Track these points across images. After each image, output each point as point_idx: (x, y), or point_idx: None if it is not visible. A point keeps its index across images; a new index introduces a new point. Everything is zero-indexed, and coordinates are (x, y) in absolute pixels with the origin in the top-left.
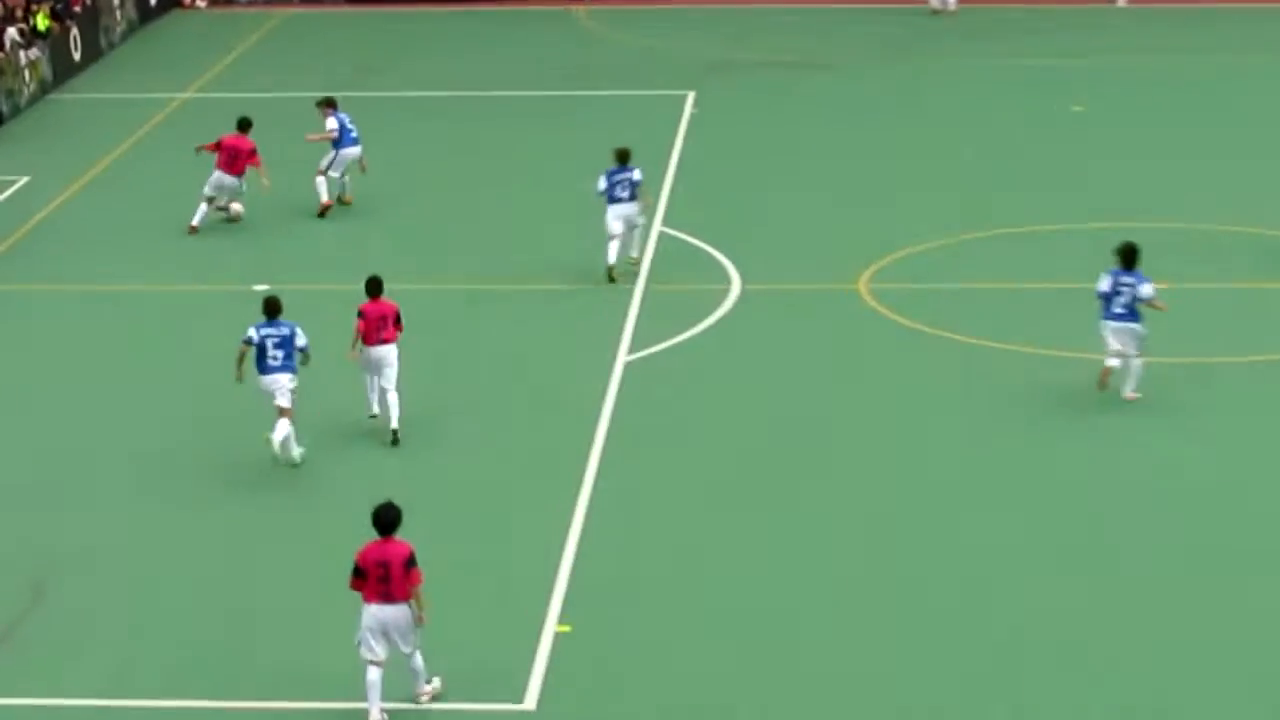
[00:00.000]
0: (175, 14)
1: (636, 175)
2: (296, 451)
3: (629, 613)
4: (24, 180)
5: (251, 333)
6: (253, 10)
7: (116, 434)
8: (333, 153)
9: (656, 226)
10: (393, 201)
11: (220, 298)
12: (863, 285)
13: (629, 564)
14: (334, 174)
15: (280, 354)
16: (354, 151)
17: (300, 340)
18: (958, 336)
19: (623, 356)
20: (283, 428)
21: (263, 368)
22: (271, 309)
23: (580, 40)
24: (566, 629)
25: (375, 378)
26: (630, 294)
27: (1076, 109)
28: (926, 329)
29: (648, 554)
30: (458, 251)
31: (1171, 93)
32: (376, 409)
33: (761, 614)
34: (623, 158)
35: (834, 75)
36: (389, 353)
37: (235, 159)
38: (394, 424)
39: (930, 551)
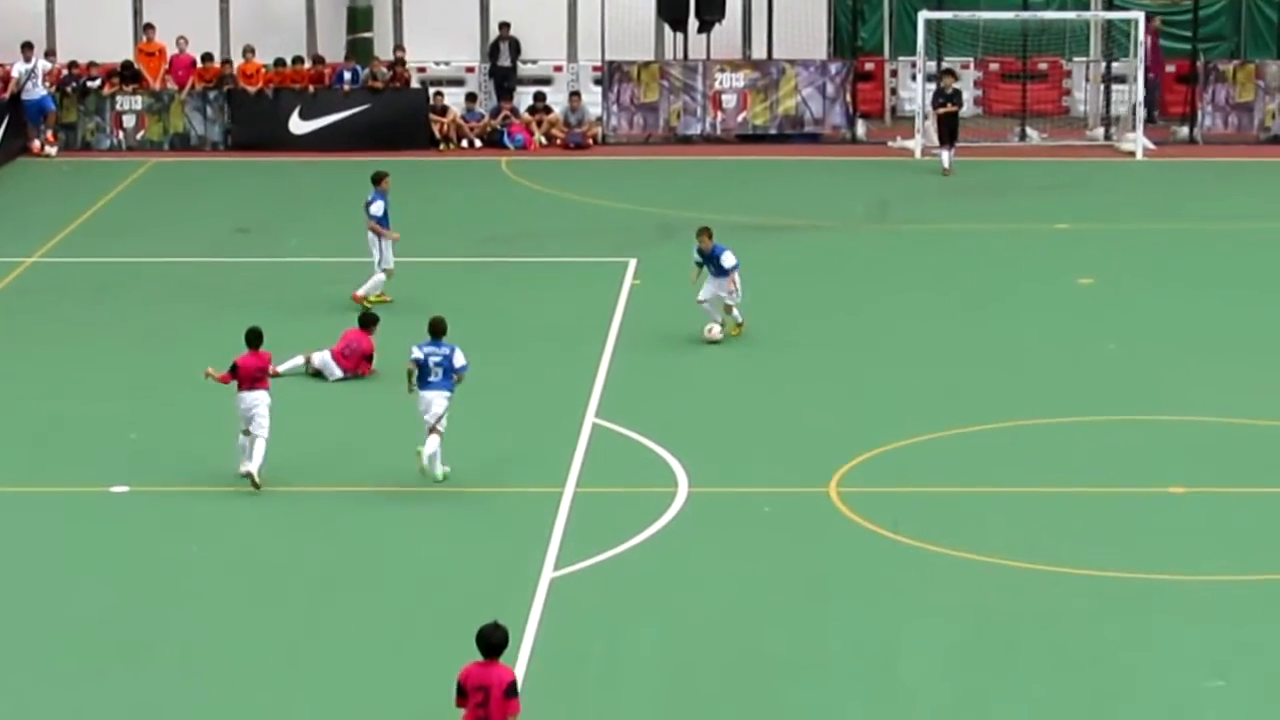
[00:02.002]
0: (21, 162)
1: (459, 360)
2: (440, 470)
3: None
4: None
5: (416, 352)
6: (115, 158)
7: None
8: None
9: (589, 418)
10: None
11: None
12: (834, 488)
13: None
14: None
15: (440, 372)
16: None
17: (459, 361)
18: (953, 551)
19: (548, 573)
20: (432, 443)
21: (423, 385)
22: (436, 329)
23: (508, 196)
24: None
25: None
26: (558, 497)
27: (1084, 282)
28: (914, 542)
29: None
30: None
31: (1192, 262)
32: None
33: None
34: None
35: (800, 239)
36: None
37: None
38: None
39: None
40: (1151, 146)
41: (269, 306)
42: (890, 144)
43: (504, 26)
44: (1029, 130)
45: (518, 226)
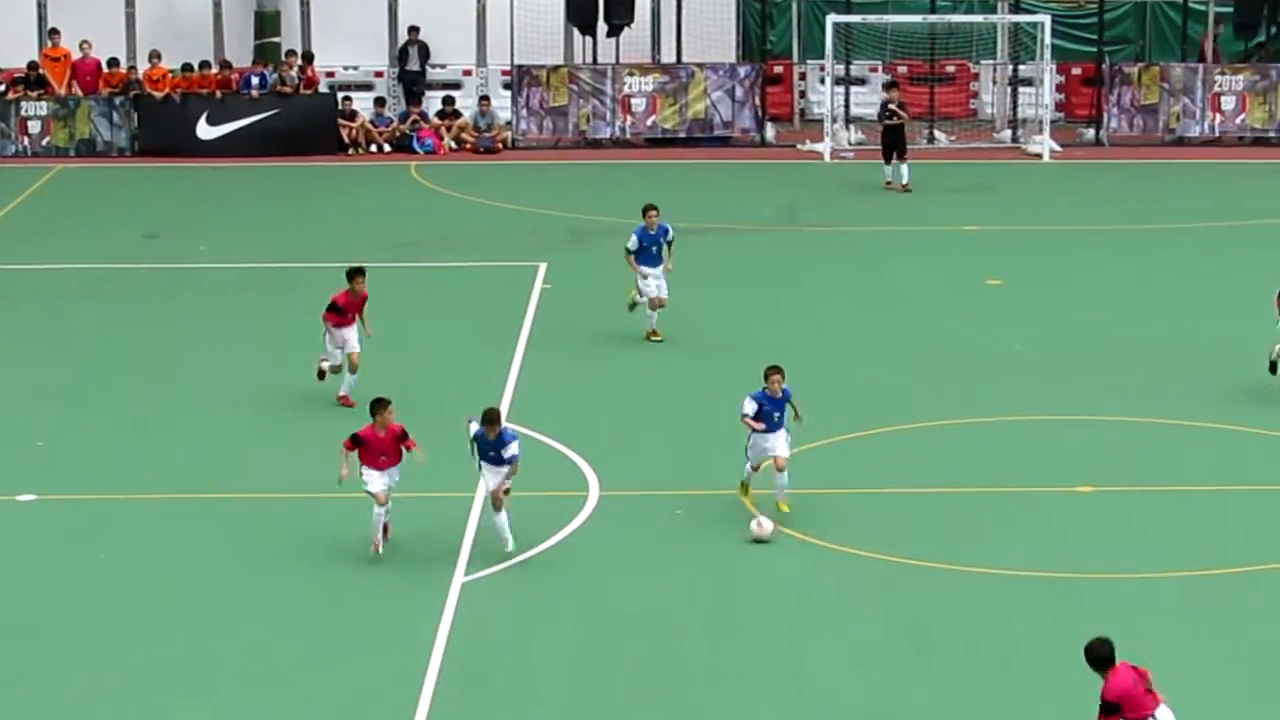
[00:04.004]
0: None
1: (510, 450)
2: (509, 542)
3: None
4: None
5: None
6: (20, 164)
7: None
8: None
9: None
10: (182, 411)
11: None
12: (744, 489)
13: None
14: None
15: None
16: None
17: (511, 450)
18: (866, 552)
19: (460, 578)
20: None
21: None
22: (490, 419)
23: (417, 201)
24: None
25: None
26: (470, 502)
27: (992, 283)
28: (827, 544)
29: None
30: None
31: (1098, 263)
32: None
33: None
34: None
35: (711, 242)
36: None
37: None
38: None
39: None
40: (1058, 148)
41: (179, 313)
42: (799, 147)
43: (413, 31)
44: (937, 133)
45: (427, 231)
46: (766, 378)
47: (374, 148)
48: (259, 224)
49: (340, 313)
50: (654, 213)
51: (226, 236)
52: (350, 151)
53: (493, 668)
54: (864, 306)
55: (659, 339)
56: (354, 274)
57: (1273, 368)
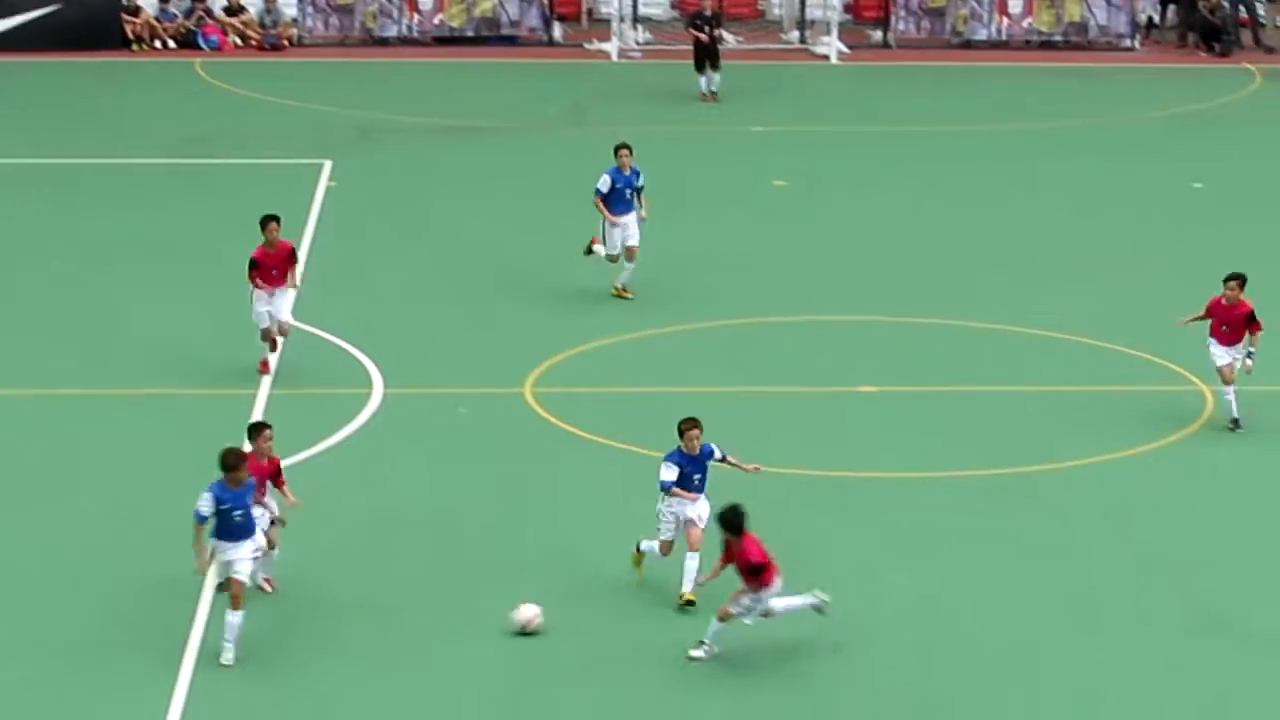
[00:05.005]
0: None
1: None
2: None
3: None
4: None
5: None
6: None
7: None
8: None
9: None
10: None
11: None
12: (528, 388)
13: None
14: None
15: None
16: None
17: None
18: (647, 451)
19: None
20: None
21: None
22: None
23: (203, 98)
24: None
25: None
26: (253, 398)
27: (778, 183)
28: (608, 441)
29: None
30: (49, 351)
31: (884, 164)
32: None
33: None
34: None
35: (497, 142)
36: None
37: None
38: None
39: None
40: (846, 50)
41: None
42: (586, 46)
43: None
44: (725, 34)
45: (213, 128)
46: (681, 434)
47: (158, 44)
48: (43, 120)
49: (261, 269)
50: (626, 152)
51: (9, 131)
52: (134, 48)
53: (276, 564)
54: (650, 207)
55: (629, 296)
56: (265, 221)
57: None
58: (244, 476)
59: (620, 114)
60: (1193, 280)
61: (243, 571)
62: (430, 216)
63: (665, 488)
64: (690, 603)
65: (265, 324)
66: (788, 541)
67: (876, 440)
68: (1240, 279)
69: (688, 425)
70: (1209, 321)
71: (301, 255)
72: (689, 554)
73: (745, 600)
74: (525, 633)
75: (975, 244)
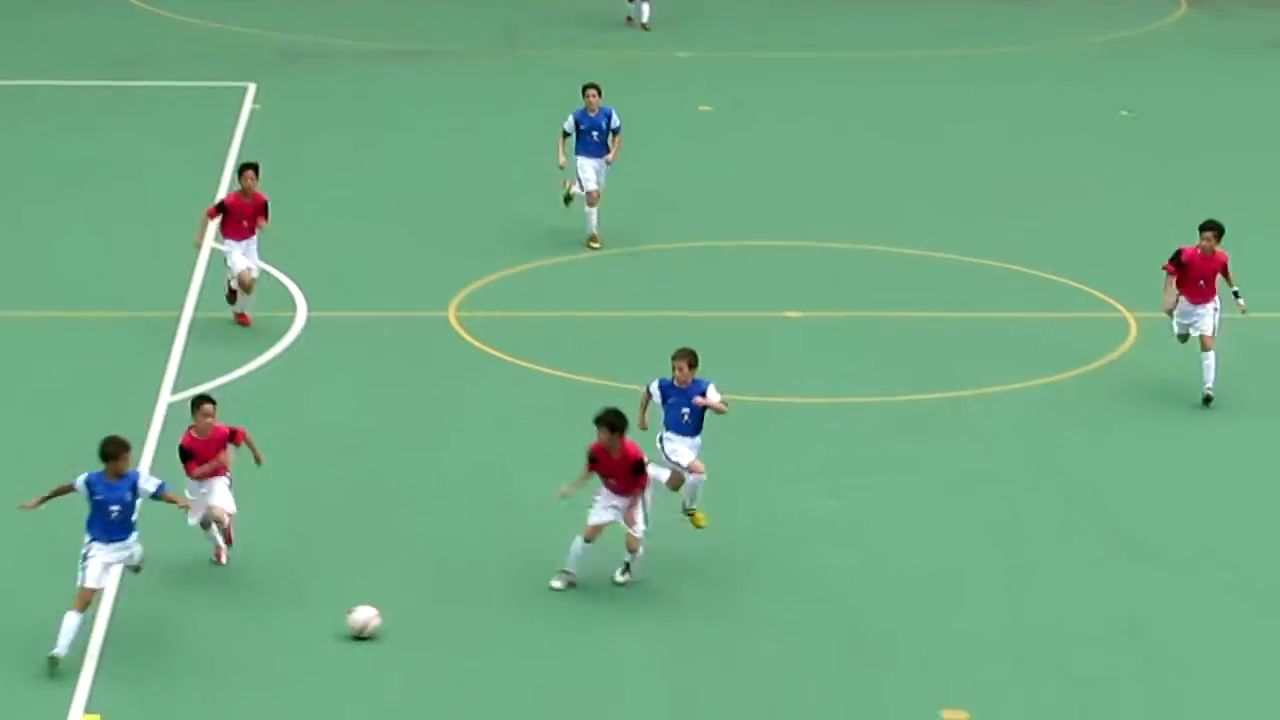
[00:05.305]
0: None
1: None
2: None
3: (163, 695)
4: None
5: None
6: None
7: None
8: None
9: (208, 243)
10: None
11: None
12: (452, 312)
13: (165, 643)
14: None
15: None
16: None
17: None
18: (569, 374)
19: (165, 397)
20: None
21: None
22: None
23: (127, 20)
24: (95, 718)
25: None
26: (176, 322)
27: (703, 109)
28: (531, 364)
29: (181, 630)
30: None
31: (811, 90)
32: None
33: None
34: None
35: (428, 65)
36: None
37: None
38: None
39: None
40: None
41: None
42: None
43: None
44: None
45: (138, 51)
46: (672, 362)
47: None
48: None
49: (226, 212)
50: (594, 93)
51: None
52: None
53: None
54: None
55: (597, 246)
56: (243, 169)
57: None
58: (125, 468)
59: (549, 38)
60: (1121, 209)
61: (104, 580)
62: (356, 140)
63: (644, 393)
64: (699, 526)
65: (235, 273)
66: (713, 466)
67: (802, 366)
68: (1217, 228)
69: (675, 355)
70: (1174, 279)
71: (224, 178)
72: (691, 476)
73: (639, 512)
74: (362, 637)
75: (906, 170)
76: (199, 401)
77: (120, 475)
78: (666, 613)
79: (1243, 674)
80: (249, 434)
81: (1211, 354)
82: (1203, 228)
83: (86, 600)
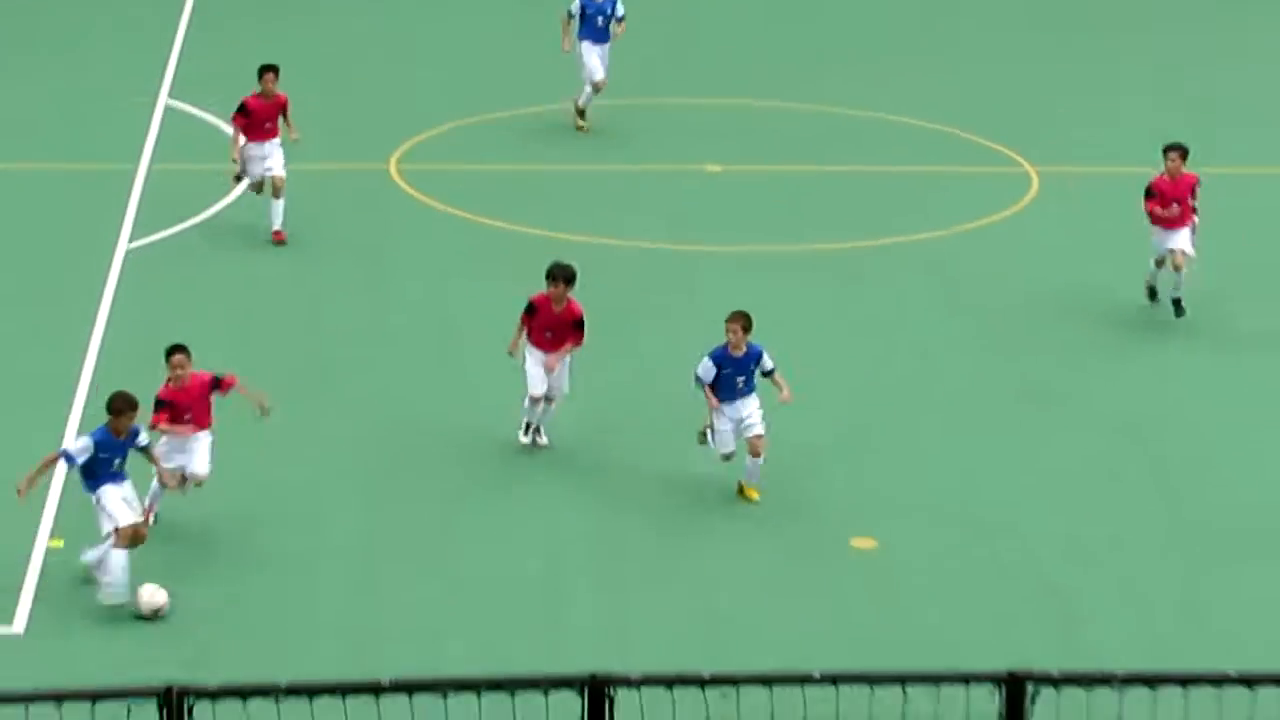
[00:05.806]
0: None
1: (767, 363)
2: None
3: None
4: None
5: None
6: None
7: None
8: None
9: (162, 99)
10: None
11: None
12: (393, 164)
13: None
14: None
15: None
16: None
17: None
18: (505, 224)
19: (123, 245)
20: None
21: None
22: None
23: None
24: (59, 544)
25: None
26: (131, 175)
27: None
28: (469, 215)
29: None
30: None
31: None
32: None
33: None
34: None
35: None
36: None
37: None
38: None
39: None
40: None
41: None
42: None
43: None
44: None
45: None
46: (726, 325)
47: None
48: None
49: (249, 116)
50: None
51: None
52: None
53: (156, 331)
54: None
55: (584, 129)
56: (263, 71)
57: (1151, 293)
58: (129, 424)
59: None
60: (1033, 72)
61: (134, 513)
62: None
63: (697, 382)
64: (750, 499)
65: (255, 178)
66: (638, 314)
67: (721, 216)
68: (1182, 150)
69: (729, 319)
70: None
71: (178, 35)
72: (751, 458)
73: (564, 370)
74: (156, 616)
75: (830, 30)
76: (170, 352)
77: (124, 432)
78: (583, 466)
79: (1126, 504)
80: (240, 381)
81: (1181, 274)
82: (1167, 149)
83: (129, 536)
